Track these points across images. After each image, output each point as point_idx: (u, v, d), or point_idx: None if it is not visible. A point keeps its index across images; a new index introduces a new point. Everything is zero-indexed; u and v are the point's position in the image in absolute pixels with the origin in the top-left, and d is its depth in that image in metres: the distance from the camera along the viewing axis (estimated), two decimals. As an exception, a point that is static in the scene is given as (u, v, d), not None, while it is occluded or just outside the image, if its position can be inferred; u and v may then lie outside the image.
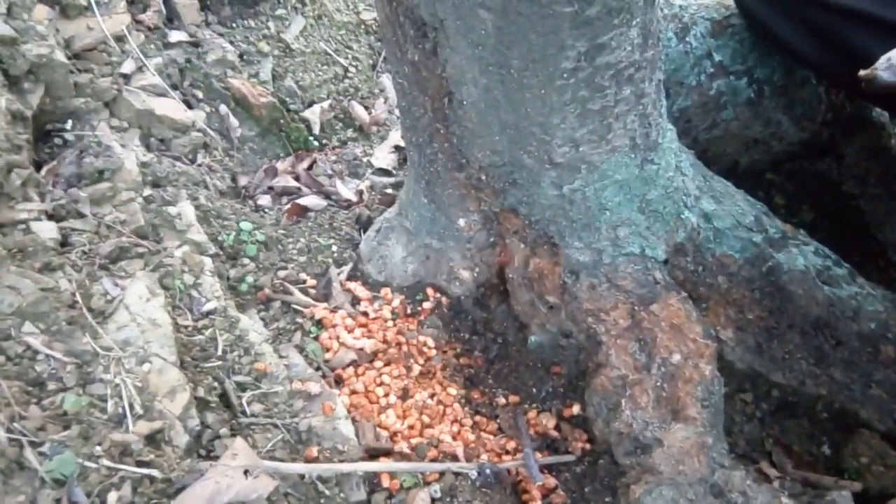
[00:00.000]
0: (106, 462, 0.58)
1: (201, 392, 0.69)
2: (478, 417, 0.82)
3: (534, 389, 0.85)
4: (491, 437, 0.80)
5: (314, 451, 0.69)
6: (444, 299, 0.90)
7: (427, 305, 0.90)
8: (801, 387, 0.83)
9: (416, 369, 0.83)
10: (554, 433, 0.80)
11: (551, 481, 0.76)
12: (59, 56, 0.91)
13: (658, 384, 0.74)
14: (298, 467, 0.66)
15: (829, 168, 1.11)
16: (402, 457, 0.74)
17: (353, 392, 0.79)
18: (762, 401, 0.86)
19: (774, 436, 0.84)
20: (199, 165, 0.98)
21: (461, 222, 0.86)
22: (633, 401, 0.75)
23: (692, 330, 0.75)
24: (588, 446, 0.79)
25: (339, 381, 0.80)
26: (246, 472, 0.62)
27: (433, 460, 0.74)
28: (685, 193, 0.80)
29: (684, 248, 0.80)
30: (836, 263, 0.85)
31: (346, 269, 0.94)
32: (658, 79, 0.74)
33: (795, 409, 0.85)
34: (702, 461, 0.71)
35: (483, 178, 0.79)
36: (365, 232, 0.98)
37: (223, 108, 1.07)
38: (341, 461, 0.70)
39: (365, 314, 0.89)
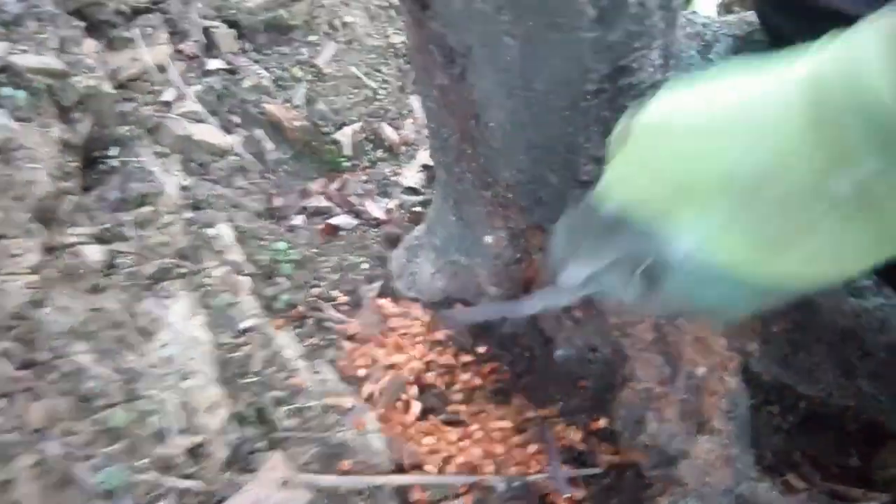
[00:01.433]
0: (151, 475, 0.61)
1: (240, 407, 0.72)
2: (506, 430, 0.83)
3: (561, 403, 0.87)
4: (519, 450, 0.81)
5: (347, 464, 0.72)
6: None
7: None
8: (829, 398, 0.83)
9: (445, 383, 0.85)
10: (581, 446, 0.81)
11: (579, 493, 0.77)
12: (106, 87, 0.96)
13: (683, 397, 0.75)
14: (333, 480, 0.69)
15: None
16: (432, 471, 0.76)
17: (384, 406, 0.82)
18: (789, 412, 0.86)
19: (802, 447, 0.84)
20: (237, 188, 1.02)
21: (488, 239, 0.88)
22: (658, 414, 0.76)
23: (717, 343, 0.76)
24: (615, 458, 0.80)
25: (370, 397, 0.83)
26: (283, 484, 0.64)
27: (462, 474, 0.76)
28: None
29: (709, 263, 0.81)
30: (862, 274, 0.85)
31: (377, 285, 0.97)
32: (680, 98, 0.75)
33: (823, 420, 0.85)
34: (727, 473, 0.72)
35: (510, 196, 0.81)
36: (394, 249, 1.01)
37: (259, 133, 1.11)
38: (373, 474, 0.72)
39: (394, 330, 0.91)
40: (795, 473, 0.81)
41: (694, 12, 1.01)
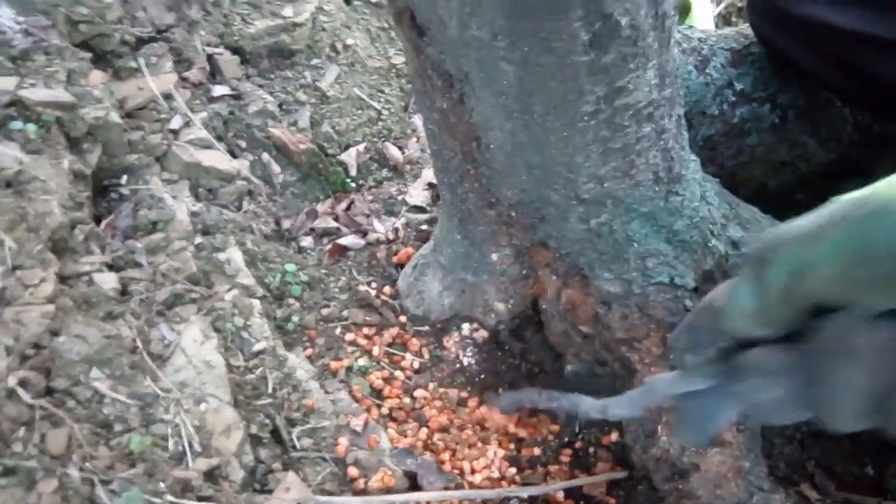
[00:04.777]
0: (169, 498, 0.63)
1: (254, 429, 0.73)
2: (519, 445, 0.84)
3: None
4: (534, 464, 0.82)
5: (362, 483, 0.73)
6: (480, 331, 0.93)
7: (465, 337, 0.93)
8: (840, 408, 0.83)
9: (456, 400, 0.86)
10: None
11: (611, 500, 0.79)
12: (114, 117, 0.98)
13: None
14: (350, 500, 0.70)
15: (862, 187, 1.11)
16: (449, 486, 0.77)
17: (398, 424, 0.83)
18: (802, 422, 0.86)
19: (816, 457, 0.85)
20: (245, 212, 1.04)
21: (494, 257, 0.89)
22: (669, 427, 0.76)
23: (724, 355, 0.77)
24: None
25: (384, 415, 0.84)
26: (298, 504, 0.66)
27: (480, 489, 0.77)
28: (711, 222, 0.82)
29: (713, 276, 0.82)
30: None
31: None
32: (678, 114, 0.76)
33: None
34: (739, 485, 0.72)
35: (513, 214, 0.82)
36: (402, 268, 1.03)
37: (265, 156, 1.13)
38: (388, 493, 0.73)
39: (405, 346, 0.93)
40: (809, 484, 0.81)
41: (691, 27, 1.02)
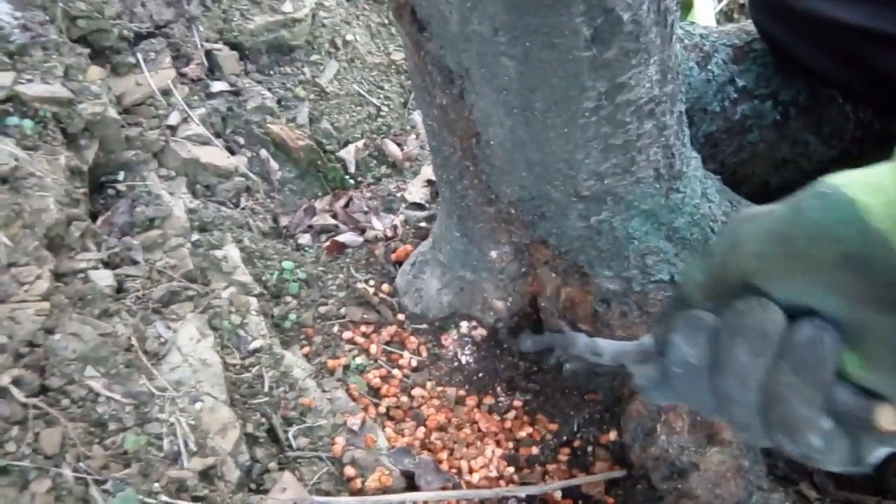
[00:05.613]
0: (164, 498, 0.62)
1: (250, 428, 0.73)
2: (517, 444, 0.84)
3: (571, 413, 0.87)
4: (532, 463, 0.82)
5: (359, 483, 0.72)
6: (479, 329, 0.93)
7: (463, 335, 0.92)
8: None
9: (454, 399, 0.86)
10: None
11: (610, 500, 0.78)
12: (112, 113, 0.97)
13: (692, 409, 0.75)
14: (347, 500, 0.69)
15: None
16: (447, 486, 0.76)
17: (395, 423, 0.82)
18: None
19: (815, 457, 0.84)
20: (243, 209, 1.03)
21: (493, 254, 0.88)
22: (667, 426, 0.76)
23: (724, 355, 0.76)
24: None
25: (381, 414, 0.83)
26: (294, 504, 0.65)
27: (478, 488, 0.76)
28: (712, 220, 0.81)
29: (714, 274, 0.81)
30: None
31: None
32: (679, 111, 0.76)
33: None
34: (739, 484, 0.72)
35: (512, 211, 0.82)
36: (400, 266, 1.02)
37: (264, 153, 1.12)
38: (385, 493, 0.73)
39: (403, 345, 0.92)
40: (808, 483, 0.81)
41: (692, 23, 1.01)
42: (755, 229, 0.37)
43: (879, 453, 0.37)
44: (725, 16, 1.50)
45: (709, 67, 0.95)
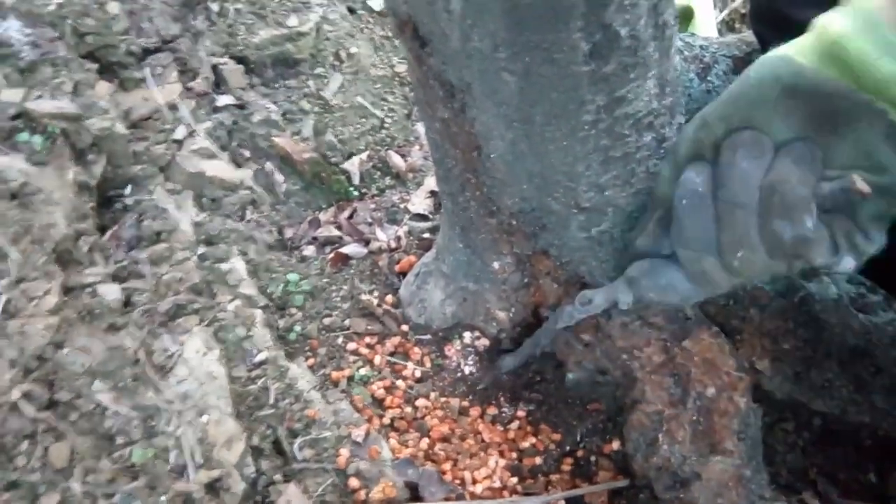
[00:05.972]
0: (171, 510, 0.63)
1: (256, 440, 0.74)
2: (520, 455, 0.84)
3: (574, 423, 0.88)
4: (535, 473, 0.82)
5: (363, 494, 0.73)
6: (482, 340, 0.93)
7: (466, 346, 0.93)
8: (843, 414, 0.83)
9: (458, 409, 0.86)
10: None
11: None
12: (120, 128, 0.98)
13: (694, 418, 0.76)
14: (349, 510, 0.70)
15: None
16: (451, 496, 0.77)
17: (399, 434, 0.83)
18: (804, 430, 0.86)
19: (818, 464, 0.84)
20: (248, 221, 1.04)
21: (495, 265, 0.89)
22: (669, 435, 0.76)
23: (725, 363, 0.77)
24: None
25: (385, 425, 0.84)
26: (299, 516, 0.66)
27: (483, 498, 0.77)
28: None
29: (715, 284, 0.82)
30: (871, 290, 0.85)
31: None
32: (679, 122, 0.76)
33: (839, 436, 0.85)
34: (741, 494, 0.72)
35: (514, 223, 0.82)
36: (404, 277, 1.03)
37: (269, 166, 1.13)
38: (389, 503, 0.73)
39: (407, 356, 0.93)
40: (812, 491, 0.81)
41: (692, 34, 1.02)
42: (714, 107, 0.52)
43: (848, 259, 0.49)
44: (727, 26, 1.50)
45: (709, 79, 0.96)
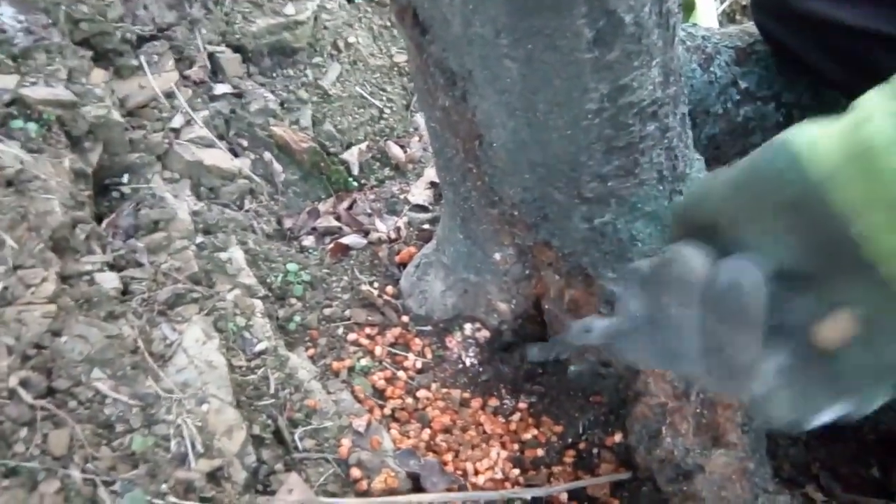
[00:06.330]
0: (172, 499, 0.62)
1: (256, 429, 0.73)
2: (522, 446, 0.84)
3: (576, 415, 0.87)
4: (537, 465, 0.82)
5: (365, 484, 0.72)
6: (483, 331, 0.93)
7: (467, 337, 0.93)
8: (845, 409, 0.83)
9: (459, 401, 0.86)
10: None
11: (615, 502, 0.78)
12: (116, 115, 0.97)
13: (697, 411, 0.76)
14: (353, 502, 0.69)
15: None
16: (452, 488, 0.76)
17: (400, 425, 0.83)
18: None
19: (821, 459, 0.85)
20: (247, 211, 1.03)
21: (497, 256, 0.89)
22: (673, 428, 0.76)
23: (728, 355, 0.77)
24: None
25: (386, 415, 0.83)
26: (300, 506, 0.65)
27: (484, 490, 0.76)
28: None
29: (717, 275, 0.82)
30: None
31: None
32: (682, 112, 0.76)
33: (841, 431, 0.85)
34: (744, 487, 0.72)
35: (515, 213, 0.82)
36: (404, 268, 1.02)
37: (267, 155, 1.13)
38: (391, 494, 0.73)
39: (407, 347, 0.92)
40: (815, 485, 0.81)
41: (695, 25, 1.02)
42: (719, 182, 0.39)
43: (822, 415, 0.37)
44: (727, 17, 1.50)
45: (711, 69, 0.95)
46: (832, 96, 0.98)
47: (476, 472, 0.79)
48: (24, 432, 0.63)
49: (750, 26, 0.99)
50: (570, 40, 0.61)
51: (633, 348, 0.44)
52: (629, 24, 0.61)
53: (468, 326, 0.93)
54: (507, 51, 0.63)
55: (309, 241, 1.07)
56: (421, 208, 1.17)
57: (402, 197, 1.18)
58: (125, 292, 0.83)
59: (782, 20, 0.90)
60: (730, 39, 0.98)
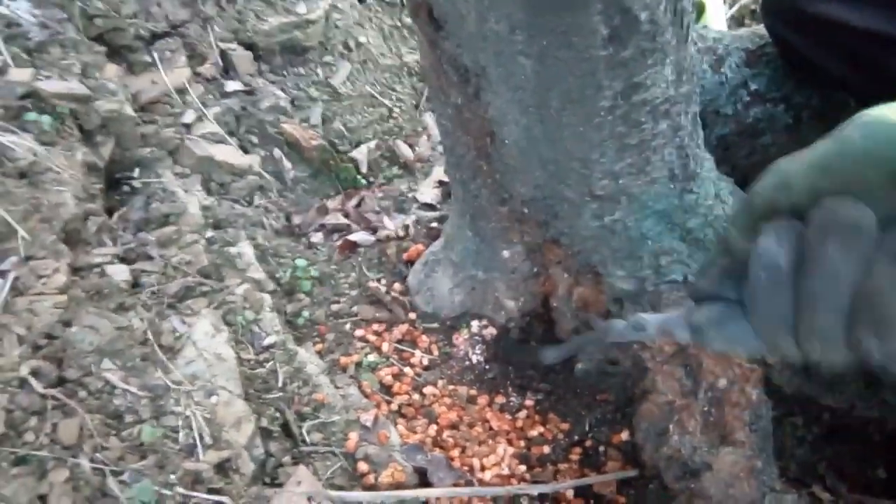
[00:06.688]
0: (180, 489, 0.62)
1: (264, 422, 0.73)
2: (529, 443, 0.84)
3: (583, 413, 0.87)
4: (543, 462, 0.82)
5: (372, 478, 0.72)
6: (490, 328, 0.93)
7: (474, 335, 0.93)
8: (852, 409, 0.83)
9: (466, 397, 0.86)
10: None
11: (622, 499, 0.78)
12: (128, 110, 0.98)
13: (705, 409, 0.75)
14: (361, 495, 0.69)
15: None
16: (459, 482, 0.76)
17: (407, 420, 0.83)
18: (813, 424, 0.86)
19: (827, 459, 0.84)
20: (256, 207, 1.04)
21: (505, 254, 0.89)
22: (680, 426, 0.76)
23: (737, 355, 0.76)
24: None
25: (394, 411, 0.84)
26: (309, 499, 0.65)
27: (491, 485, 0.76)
28: (725, 221, 0.82)
29: (727, 275, 0.82)
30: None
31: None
32: (694, 111, 0.76)
33: (847, 431, 0.85)
34: (752, 485, 0.72)
35: (526, 211, 0.82)
36: (412, 265, 1.02)
37: (277, 152, 1.13)
38: (398, 488, 0.73)
39: (414, 343, 0.93)
40: (821, 485, 0.81)
41: (705, 27, 1.02)
42: (801, 166, 0.39)
43: None
44: (736, 21, 1.50)
45: (722, 70, 0.96)
46: (841, 99, 0.98)
47: (482, 468, 0.79)
48: (34, 421, 0.63)
49: (760, 29, 1.00)
50: (584, 37, 0.61)
51: (729, 333, 0.45)
52: (644, 22, 0.61)
53: (475, 324, 0.93)
54: (522, 47, 0.64)
55: (317, 237, 1.08)
56: (429, 206, 1.17)
57: (410, 195, 1.18)
58: (135, 285, 0.83)
59: (792, 23, 0.90)
60: (740, 41, 0.98)
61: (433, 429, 0.82)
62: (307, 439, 0.75)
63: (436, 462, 0.77)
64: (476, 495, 0.75)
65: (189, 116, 1.07)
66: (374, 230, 1.11)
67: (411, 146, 1.27)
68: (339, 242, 1.06)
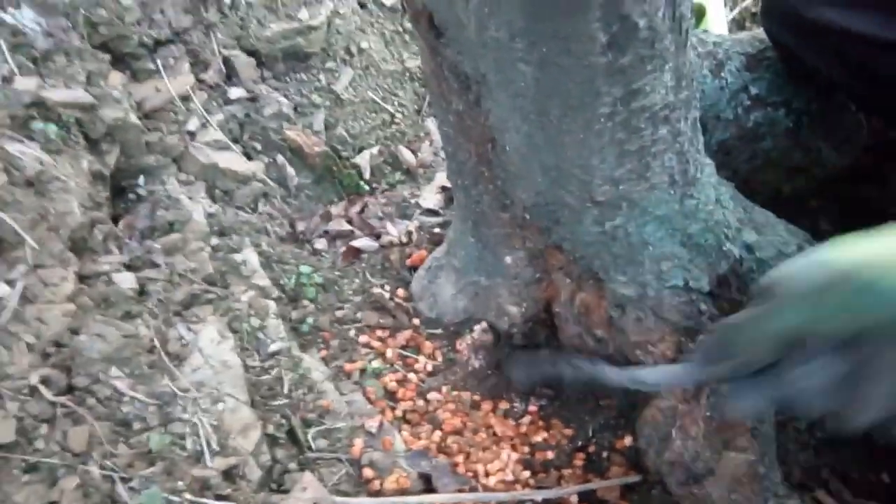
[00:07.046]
0: (188, 496, 0.63)
1: (270, 429, 0.74)
2: (532, 449, 0.84)
3: (586, 419, 0.88)
4: (547, 468, 0.82)
5: (377, 484, 0.73)
6: (493, 334, 0.93)
7: (477, 340, 0.93)
8: (854, 413, 0.83)
9: (470, 403, 0.87)
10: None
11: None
12: (133, 118, 0.99)
13: (708, 414, 0.76)
14: (366, 501, 0.70)
15: (876, 193, 1.11)
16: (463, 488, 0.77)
17: (412, 426, 0.83)
18: (816, 429, 0.86)
19: (830, 464, 0.84)
20: (261, 214, 1.04)
21: (508, 260, 0.89)
22: (683, 431, 0.76)
23: (739, 359, 0.77)
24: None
25: (398, 417, 0.84)
26: (314, 504, 0.66)
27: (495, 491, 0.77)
28: (726, 226, 0.82)
29: (728, 280, 0.82)
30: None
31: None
32: (694, 117, 0.76)
33: (851, 436, 0.85)
34: (755, 490, 0.72)
35: (527, 217, 0.82)
36: (415, 271, 1.03)
37: (280, 159, 1.14)
38: (403, 495, 0.74)
39: (418, 349, 0.93)
40: (824, 490, 0.81)
41: (705, 31, 1.02)
42: (829, 311, 0.49)
43: None
44: (737, 24, 1.51)
45: (722, 75, 0.96)
46: (842, 103, 0.99)
47: (487, 474, 0.79)
48: (44, 429, 0.64)
49: (760, 33, 1.00)
50: (584, 44, 0.61)
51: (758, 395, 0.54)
52: (643, 29, 0.62)
53: (478, 329, 0.94)
54: (522, 54, 0.64)
55: (321, 244, 1.08)
56: (432, 212, 1.18)
57: (413, 201, 1.19)
58: (142, 292, 0.84)
59: (792, 27, 0.90)
60: (740, 45, 0.99)
61: (437, 435, 0.83)
62: (313, 445, 0.75)
63: (440, 468, 0.78)
64: (481, 500, 0.75)
65: (193, 124, 1.07)
66: (377, 236, 1.11)
67: (414, 152, 1.28)
68: (342, 249, 1.07)
